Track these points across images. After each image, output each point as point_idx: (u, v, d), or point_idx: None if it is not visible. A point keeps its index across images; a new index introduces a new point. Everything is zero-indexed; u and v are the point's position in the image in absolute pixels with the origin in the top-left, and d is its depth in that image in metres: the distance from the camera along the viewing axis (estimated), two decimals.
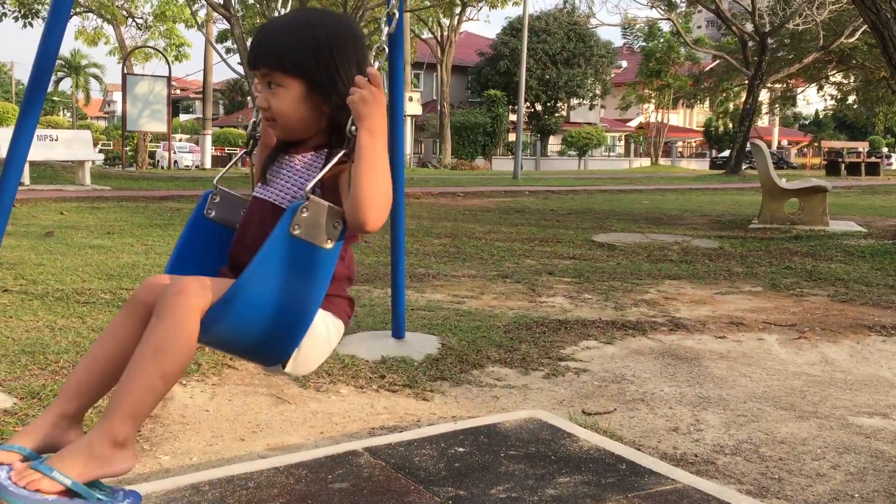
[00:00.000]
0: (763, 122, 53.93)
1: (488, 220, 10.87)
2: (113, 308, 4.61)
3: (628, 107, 46.87)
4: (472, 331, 4.36)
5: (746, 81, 30.75)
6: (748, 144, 20.13)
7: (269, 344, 1.66)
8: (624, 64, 53.74)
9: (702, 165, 48.69)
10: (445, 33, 38.68)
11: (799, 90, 40.86)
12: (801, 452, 2.84)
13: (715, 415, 3.22)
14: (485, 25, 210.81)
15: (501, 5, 31.15)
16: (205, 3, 23.82)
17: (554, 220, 11.05)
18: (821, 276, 6.44)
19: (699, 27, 59.76)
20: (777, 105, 43.34)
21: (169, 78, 26.18)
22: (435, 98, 43.07)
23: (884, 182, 27.67)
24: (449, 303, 5.18)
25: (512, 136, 38.80)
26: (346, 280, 1.81)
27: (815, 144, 52.61)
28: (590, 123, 48.23)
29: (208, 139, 33.46)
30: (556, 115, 46.26)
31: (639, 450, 2.71)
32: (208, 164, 32.86)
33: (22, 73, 66.85)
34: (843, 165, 34.03)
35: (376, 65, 1.69)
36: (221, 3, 21.90)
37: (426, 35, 39.44)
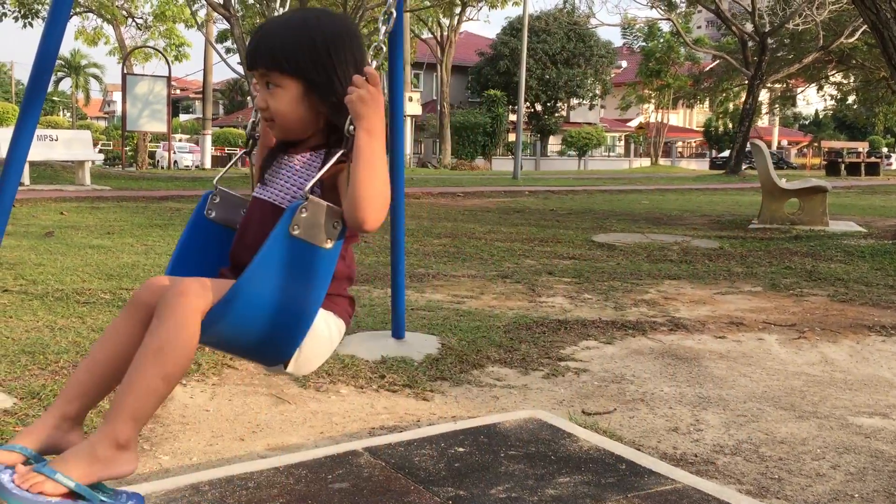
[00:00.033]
0: (763, 122, 53.94)
1: (488, 221, 10.87)
2: (113, 308, 4.61)
3: (628, 107, 46.87)
4: (471, 331, 4.36)
5: (746, 81, 30.74)
6: (748, 144, 20.14)
7: (271, 344, 1.66)
8: (624, 64, 53.75)
9: (702, 165, 48.69)
10: (445, 33, 38.68)
11: (799, 90, 40.86)
12: (801, 452, 2.84)
13: (715, 415, 3.22)
14: (485, 25, 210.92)
15: (501, 5, 31.15)
16: (205, 3, 23.78)
17: (554, 221, 11.05)
18: (821, 276, 6.44)
19: (699, 27, 59.76)
20: (777, 105, 43.33)
21: (169, 78, 26.19)
22: (435, 98, 43.07)
23: (883, 182, 27.68)
24: (449, 303, 5.18)
25: (512, 136, 38.79)
26: (347, 279, 1.81)
27: (815, 144, 52.61)
28: (590, 123, 48.23)
29: (208, 139, 33.46)
30: (556, 115, 46.27)
31: (639, 450, 2.71)
32: (208, 165, 32.86)
33: (22, 73, 66.88)
34: (842, 165, 34.03)
35: (374, 64, 1.69)
36: (221, 3, 21.88)
37: (426, 35, 39.44)
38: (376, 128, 1.62)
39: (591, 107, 47.80)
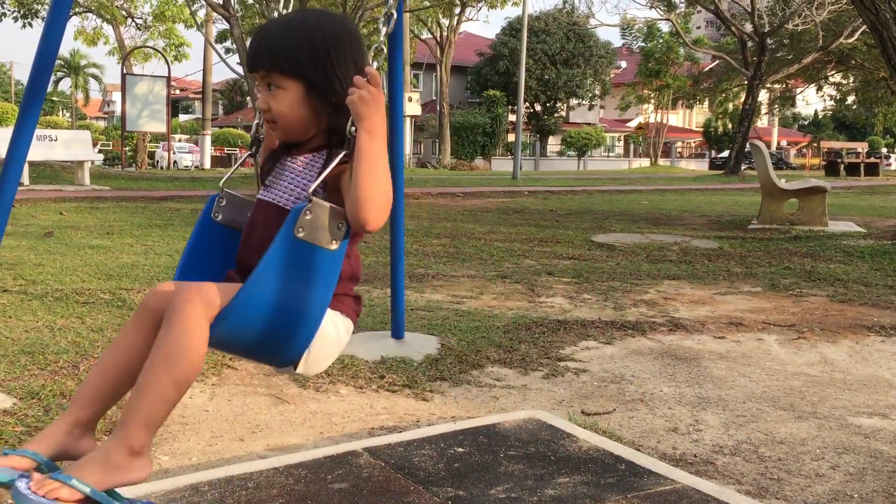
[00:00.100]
0: (762, 122, 53.97)
1: (487, 221, 10.87)
2: (112, 308, 4.61)
3: (627, 107, 46.89)
4: (471, 331, 4.36)
5: (746, 82, 30.77)
6: (747, 145, 20.14)
7: (280, 346, 1.67)
8: (623, 64, 53.78)
9: (701, 166, 48.70)
10: (445, 33, 38.68)
11: (798, 90, 40.88)
12: (801, 453, 2.84)
13: (714, 415, 3.22)
14: (484, 26, 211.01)
15: (501, 6, 31.19)
16: (204, 3, 23.81)
17: (553, 221, 11.05)
18: (820, 277, 6.45)
19: (698, 27, 59.79)
20: (776, 105, 43.34)
21: (168, 78, 26.18)
22: (434, 98, 43.07)
23: (883, 182, 27.70)
24: (448, 303, 5.18)
25: (511, 137, 38.80)
26: (353, 278, 1.81)
27: (815, 145, 52.67)
28: (589, 124, 48.25)
29: (207, 139, 33.46)
30: (556, 115, 46.29)
31: (638, 450, 2.71)
32: (207, 165, 32.86)
33: (21, 73, 66.85)
34: (842, 166, 34.07)
35: (375, 65, 1.69)
36: (221, 3, 21.90)
37: (425, 35, 39.45)
38: (377, 128, 1.62)
39: (591, 107, 47.82)
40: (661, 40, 42.32)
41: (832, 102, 44.43)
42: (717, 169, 38.48)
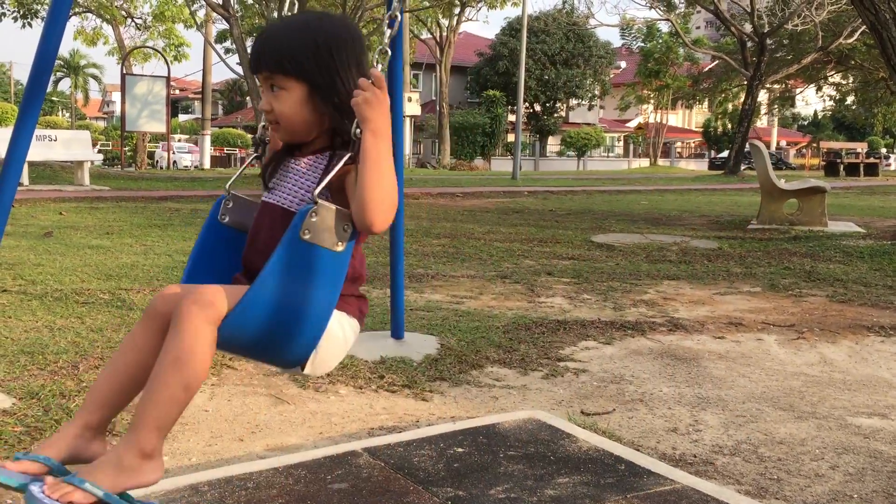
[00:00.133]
0: (762, 122, 53.99)
1: (487, 221, 10.87)
2: (112, 308, 4.61)
3: (627, 107, 46.89)
4: (471, 331, 4.36)
5: (745, 82, 30.78)
6: (747, 145, 20.14)
7: (287, 347, 1.68)
8: (623, 64, 53.79)
9: (700, 166, 48.72)
10: (444, 34, 38.69)
11: (798, 91, 40.90)
12: (800, 453, 2.84)
13: (714, 415, 3.22)
14: (484, 26, 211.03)
15: (500, 6, 31.22)
16: (204, 3, 23.82)
17: (553, 221, 11.05)
18: (819, 277, 6.45)
19: (698, 28, 59.79)
20: (776, 106, 43.34)
21: (168, 78, 26.18)
22: (434, 98, 43.07)
23: (882, 183, 27.71)
24: (448, 303, 5.18)
25: (511, 137, 38.79)
26: (358, 279, 1.82)
27: (814, 145, 52.70)
28: (589, 124, 48.26)
29: (207, 139, 33.47)
30: (555, 115, 46.29)
31: (637, 450, 2.71)
32: (207, 165, 32.87)
33: (21, 73, 66.84)
34: (841, 166, 34.10)
35: (379, 67, 1.70)
36: (220, 3, 21.91)
37: (425, 35, 39.45)
38: (382, 130, 1.63)
39: (590, 107, 47.83)
40: (660, 40, 42.32)
41: (832, 103, 44.45)
42: (717, 169, 38.50)
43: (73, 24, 29.13)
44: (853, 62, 31.28)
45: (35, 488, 1.49)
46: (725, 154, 38.88)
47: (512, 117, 38.89)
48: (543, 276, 6.31)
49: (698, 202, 15.72)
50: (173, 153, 33.76)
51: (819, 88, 39.17)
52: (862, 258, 7.46)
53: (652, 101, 45.11)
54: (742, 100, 32.97)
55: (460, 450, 2.56)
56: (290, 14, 1.90)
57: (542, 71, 42.84)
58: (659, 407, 3.31)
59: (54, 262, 6.17)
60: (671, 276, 6.44)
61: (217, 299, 1.58)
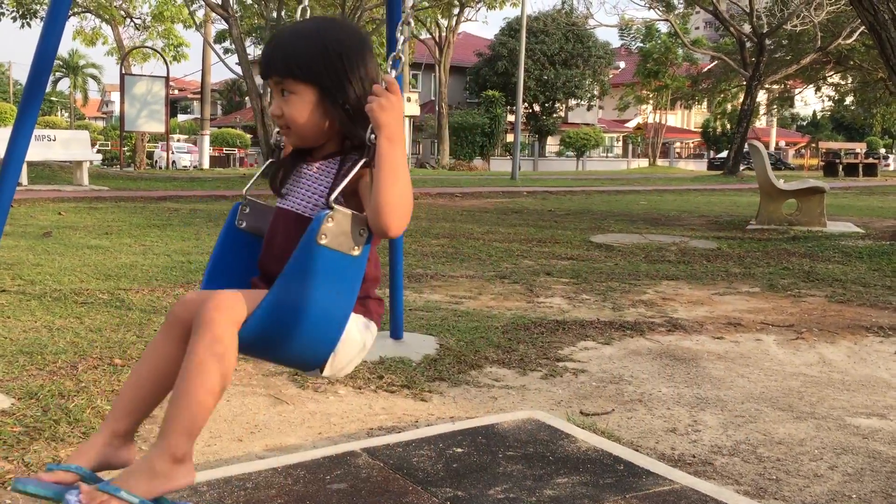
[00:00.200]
0: (761, 122, 53.98)
1: (486, 221, 10.87)
2: (111, 308, 4.61)
3: (626, 108, 46.89)
4: (470, 331, 4.37)
5: (744, 82, 30.79)
6: (746, 145, 20.16)
7: (306, 351, 1.70)
8: (622, 65, 53.80)
9: (699, 166, 48.74)
10: (444, 34, 38.68)
11: (797, 91, 40.90)
12: (799, 453, 2.84)
13: (713, 415, 3.22)
14: (483, 26, 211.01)
15: (500, 6, 31.20)
16: (203, 3, 23.82)
17: (552, 221, 11.05)
18: (818, 277, 6.45)
19: (697, 28, 59.82)
20: (775, 106, 43.35)
21: (167, 78, 26.19)
22: (433, 98, 43.07)
23: (881, 183, 27.73)
24: (447, 303, 5.18)
25: (510, 137, 38.81)
26: (374, 281, 1.84)
27: (813, 145, 52.68)
28: (588, 124, 48.26)
29: (206, 139, 33.46)
30: (554, 115, 46.28)
31: (636, 450, 2.71)
32: (206, 165, 32.88)
33: (20, 73, 66.82)
34: (840, 166, 34.10)
35: (393, 73, 1.72)
36: (219, 3, 21.90)
37: (424, 36, 39.44)
38: (397, 135, 1.65)
39: (590, 107, 47.82)
40: (659, 41, 42.34)
41: (830, 103, 44.44)
42: (716, 169, 38.51)
43: (72, 24, 29.12)
44: (852, 63, 31.30)
45: (72, 498, 1.52)
46: (724, 154, 38.87)
47: (511, 117, 38.89)
48: (542, 277, 6.32)
49: (697, 202, 15.73)
50: (172, 153, 33.76)
51: (818, 89, 39.19)
52: (861, 258, 7.47)
53: (651, 101, 45.12)
54: (741, 100, 32.97)
55: (459, 450, 2.56)
56: (300, 19, 1.92)
57: (542, 71, 42.84)
58: (658, 407, 3.31)
59: (53, 262, 6.16)
60: (670, 277, 6.45)
61: (237, 304, 1.61)
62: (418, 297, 5.34)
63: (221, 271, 1.90)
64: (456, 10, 35.48)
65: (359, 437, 2.86)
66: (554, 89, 43.78)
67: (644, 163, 47.09)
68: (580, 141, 45.01)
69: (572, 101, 46.92)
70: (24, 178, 14.01)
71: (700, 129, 57.37)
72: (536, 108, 44.97)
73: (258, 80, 22.05)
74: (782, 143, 62.33)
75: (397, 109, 1.65)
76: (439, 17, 35.98)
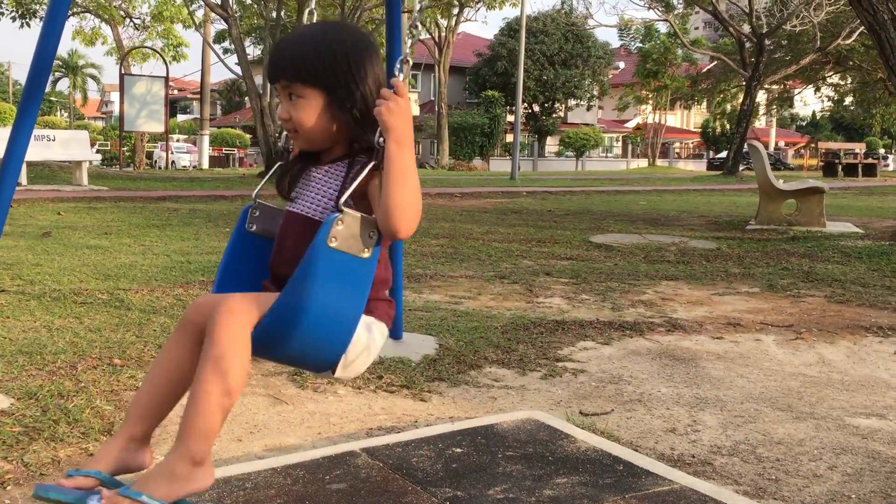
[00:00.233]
0: (760, 123, 53.99)
1: (486, 221, 10.88)
2: (110, 308, 4.61)
3: (626, 108, 46.89)
4: (469, 331, 4.37)
5: (744, 83, 30.78)
6: (745, 145, 20.16)
7: (317, 352, 1.71)
8: (621, 65, 53.80)
9: (699, 166, 48.74)
10: (443, 34, 38.70)
11: (796, 91, 40.90)
12: (798, 453, 2.84)
13: (712, 415, 3.22)
14: (482, 26, 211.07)
15: (499, 6, 31.18)
16: (202, 3, 23.80)
17: (551, 221, 11.05)
18: (818, 277, 6.45)
19: (696, 28, 59.82)
20: (774, 106, 43.34)
21: (166, 78, 26.20)
22: (432, 99, 43.07)
23: (881, 183, 27.74)
24: (446, 303, 5.18)
25: (509, 137, 38.82)
26: (384, 282, 1.85)
27: (812, 146, 52.68)
28: (587, 124, 48.27)
29: (206, 139, 33.48)
30: (554, 115, 46.28)
31: (636, 450, 2.71)
32: (206, 165, 32.89)
33: (19, 73, 66.84)
34: (839, 166, 34.09)
35: (401, 77, 1.72)
36: (219, 3, 21.89)
37: (424, 36, 39.43)
38: (405, 138, 1.66)
39: (589, 108, 47.84)
40: (658, 41, 42.34)
41: (830, 103, 44.45)
42: (715, 169, 38.51)
43: (71, 24, 29.10)
44: (851, 63, 31.30)
45: (94, 503, 1.54)
46: (724, 154, 38.86)
47: (510, 117, 38.91)
48: (542, 277, 6.32)
49: (697, 202, 15.73)
50: (171, 153, 33.77)
51: (817, 89, 39.18)
52: (860, 258, 7.47)
53: (650, 101, 45.12)
54: (740, 100, 32.97)
55: (459, 450, 2.56)
56: (307, 23, 1.93)
57: (541, 71, 42.84)
58: (657, 407, 3.31)
59: (52, 262, 6.16)
60: (669, 277, 6.45)
61: (249, 306, 1.63)
62: (418, 297, 5.34)
63: (232, 274, 1.92)
64: (455, 11, 35.48)
65: (358, 437, 2.86)
66: (553, 89, 43.79)
67: (643, 163, 47.09)
68: (580, 141, 45.02)
69: (572, 102, 46.93)
70: (23, 178, 14.01)
71: (699, 130, 57.36)
72: (536, 108, 44.97)
73: (257, 80, 22.07)
74: (782, 144, 62.35)
75: (405, 112, 1.66)
76: (439, 17, 35.97)
